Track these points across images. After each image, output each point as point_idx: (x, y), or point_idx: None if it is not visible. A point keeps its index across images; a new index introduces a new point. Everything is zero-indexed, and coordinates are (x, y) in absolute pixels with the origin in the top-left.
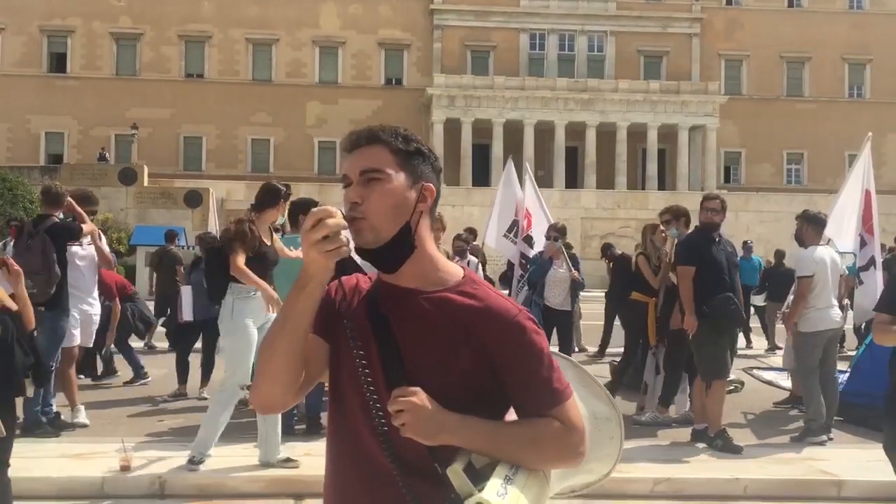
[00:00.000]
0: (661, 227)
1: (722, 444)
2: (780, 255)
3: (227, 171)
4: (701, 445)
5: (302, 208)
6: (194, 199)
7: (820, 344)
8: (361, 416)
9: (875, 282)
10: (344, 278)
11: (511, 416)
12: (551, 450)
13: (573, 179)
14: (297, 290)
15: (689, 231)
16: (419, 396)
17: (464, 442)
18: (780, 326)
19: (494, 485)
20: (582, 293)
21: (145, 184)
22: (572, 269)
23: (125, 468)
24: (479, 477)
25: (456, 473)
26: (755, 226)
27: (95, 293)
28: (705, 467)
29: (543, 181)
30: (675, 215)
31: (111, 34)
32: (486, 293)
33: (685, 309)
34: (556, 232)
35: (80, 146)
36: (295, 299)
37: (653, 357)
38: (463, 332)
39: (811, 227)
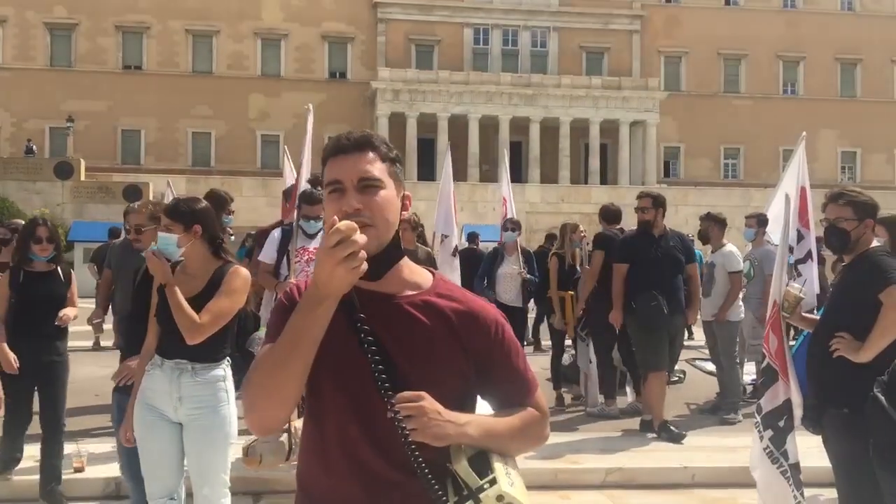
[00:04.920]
0: (581, 228)
1: (667, 436)
2: None
3: (168, 165)
4: (650, 435)
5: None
6: (133, 194)
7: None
8: (356, 426)
9: (812, 273)
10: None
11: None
12: (532, 437)
13: (517, 174)
14: (310, 308)
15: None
16: (428, 400)
17: (469, 439)
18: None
19: (501, 475)
20: None
21: (82, 178)
22: (523, 267)
23: (79, 470)
24: (477, 469)
25: (464, 469)
26: (694, 219)
27: None
28: (655, 457)
29: (488, 176)
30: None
31: (45, 24)
32: (462, 293)
33: (613, 304)
34: (513, 225)
35: (14, 139)
36: (307, 318)
37: (585, 346)
38: (450, 333)
39: (716, 226)
